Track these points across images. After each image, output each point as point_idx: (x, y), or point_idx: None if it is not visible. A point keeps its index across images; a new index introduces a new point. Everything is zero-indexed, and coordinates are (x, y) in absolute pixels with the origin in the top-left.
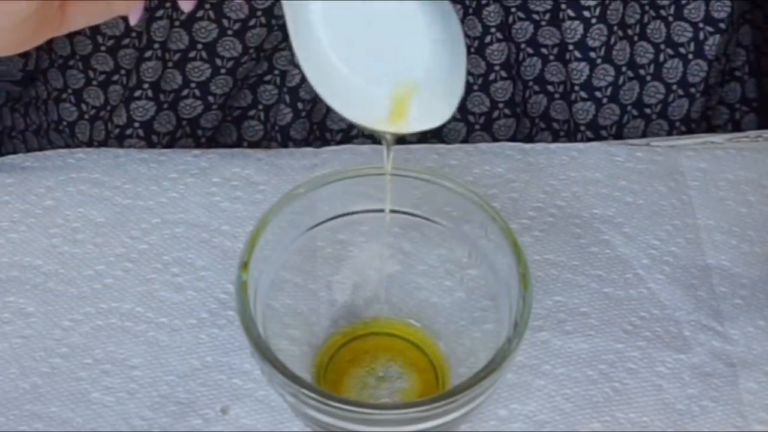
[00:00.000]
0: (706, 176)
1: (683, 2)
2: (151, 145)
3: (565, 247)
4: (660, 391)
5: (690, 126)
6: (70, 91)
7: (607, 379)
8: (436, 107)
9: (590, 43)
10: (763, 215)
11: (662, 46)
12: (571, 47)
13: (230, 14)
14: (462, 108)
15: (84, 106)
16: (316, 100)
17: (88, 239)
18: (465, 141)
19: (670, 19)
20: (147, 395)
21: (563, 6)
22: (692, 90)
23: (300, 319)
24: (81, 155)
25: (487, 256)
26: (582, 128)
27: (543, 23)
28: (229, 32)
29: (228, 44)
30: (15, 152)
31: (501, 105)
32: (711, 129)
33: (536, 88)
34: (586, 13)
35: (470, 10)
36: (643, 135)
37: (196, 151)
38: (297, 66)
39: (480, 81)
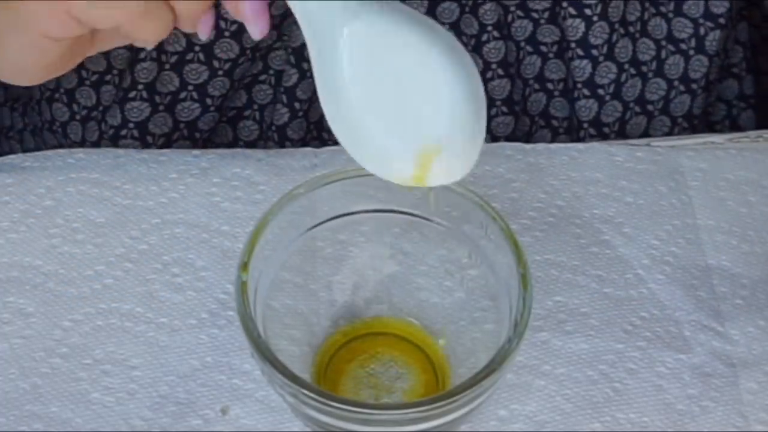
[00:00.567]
0: (706, 176)
1: None
2: (146, 146)
3: (565, 247)
4: (660, 392)
5: (692, 122)
6: (62, 90)
7: (607, 379)
8: (457, 164)
9: (592, 40)
10: (764, 215)
11: (663, 43)
12: (573, 45)
13: (227, 15)
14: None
15: (75, 107)
16: (312, 99)
17: (88, 239)
18: None
19: (670, 15)
20: (147, 395)
21: (564, 4)
22: (694, 86)
23: (300, 319)
24: (81, 155)
25: (487, 256)
26: (585, 125)
27: (542, 21)
28: (227, 33)
29: (225, 46)
30: (11, 152)
31: (498, 102)
32: (709, 125)
33: (536, 86)
34: (588, 11)
35: (467, 8)
36: (646, 131)
37: (196, 152)
38: (293, 65)
39: None
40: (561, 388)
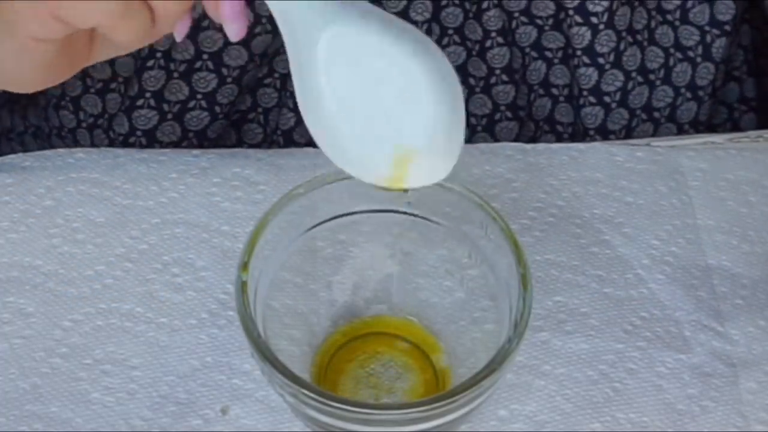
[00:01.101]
0: (706, 176)
1: (688, 6)
2: None
3: (565, 247)
4: (660, 392)
5: (698, 129)
6: (68, 98)
7: (607, 379)
8: (435, 166)
9: (598, 48)
10: (764, 215)
11: (671, 50)
12: (578, 53)
13: None
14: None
15: (82, 114)
16: None
17: (88, 239)
18: (467, 142)
19: (677, 23)
20: (147, 395)
21: (570, 12)
22: (700, 93)
23: (300, 319)
24: (81, 155)
25: (487, 256)
26: (591, 132)
27: (546, 28)
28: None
29: (234, 53)
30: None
31: (503, 108)
32: (711, 128)
33: (541, 91)
34: (594, 20)
35: (470, 15)
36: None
37: (196, 151)
38: None
39: (482, 84)
40: (561, 388)
